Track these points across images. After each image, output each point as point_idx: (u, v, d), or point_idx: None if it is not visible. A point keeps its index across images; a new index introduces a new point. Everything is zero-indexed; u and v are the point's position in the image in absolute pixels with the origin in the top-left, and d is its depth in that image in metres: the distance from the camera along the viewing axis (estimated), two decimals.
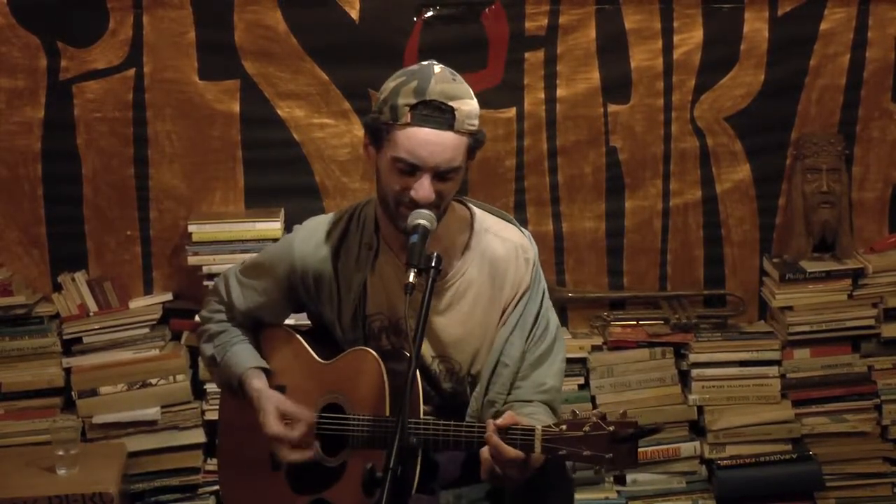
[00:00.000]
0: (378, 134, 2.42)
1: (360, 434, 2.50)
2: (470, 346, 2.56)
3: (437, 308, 2.53)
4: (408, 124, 2.36)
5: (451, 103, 2.36)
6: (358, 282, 2.57)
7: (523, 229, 2.64)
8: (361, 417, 2.50)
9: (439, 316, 2.54)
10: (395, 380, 2.47)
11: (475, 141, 2.43)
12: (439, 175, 2.39)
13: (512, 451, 2.30)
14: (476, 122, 2.41)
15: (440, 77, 2.39)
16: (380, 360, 2.50)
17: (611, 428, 2.25)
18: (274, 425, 2.56)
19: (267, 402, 2.58)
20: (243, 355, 2.68)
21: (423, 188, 2.38)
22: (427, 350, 2.55)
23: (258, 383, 2.64)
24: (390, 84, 2.41)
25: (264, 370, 2.67)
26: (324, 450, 2.57)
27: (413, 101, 2.36)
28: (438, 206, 2.42)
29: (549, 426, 2.30)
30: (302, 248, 2.61)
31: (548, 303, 2.62)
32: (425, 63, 2.44)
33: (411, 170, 2.38)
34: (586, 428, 2.26)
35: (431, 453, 2.49)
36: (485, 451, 2.34)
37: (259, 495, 2.69)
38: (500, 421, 2.33)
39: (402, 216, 2.41)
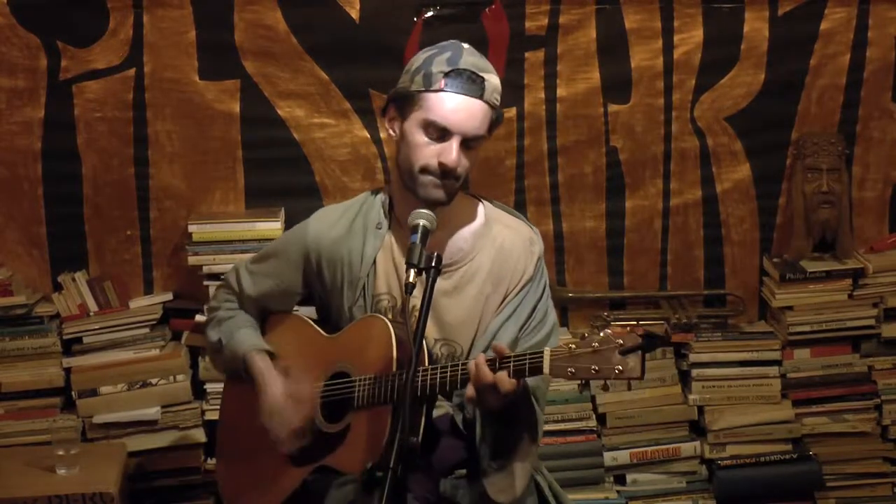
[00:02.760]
0: (407, 102, 2.50)
1: (365, 393, 2.51)
2: (470, 330, 2.60)
3: (445, 290, 2.57)
4: (441, 90, 2.47)
5: (481, 74, 2.48)
6: (367, 261, 2.60)
7: (531, 225, 2.70)
8: (366, 377, 2.51)
9: (446, 298, 2.57)
10: (401, 345, 2.50)
11: (497, 116, 2.54)
12: (466, 143, 2.48)
13: (488, 376, 2.33)
14: (499, 96, 2.54)
15: (469, 51, 2.53)
16: (387, 321, 2.53)
17: (619, 341, 2.26)
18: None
19: (270, 386, 2.63)
20: (248, 337, 2.73)
21: (452, 152, 2.46)
22: (431, 332, 2.58)
23: (262, 363, 2.67)
24: (421, 56, 2.53)
25: (269, 353, 2.70)
26: (328, 418, 2.58)
27: (447, 68, 2.47)
28: (458, 179, 2.49)
29: (559, 346, 2.32)
30: (316, 228, 2.67)
31: (548, 298, 2.65)
32: (453, 40, 2.56)
33: (441, 135, 2.47)
34: (595, 344, 2.27)
35: (437, 429, 2.51)
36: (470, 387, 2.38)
37: (257, 475, 2.70)
38: (489, 354, 2.38)
39: (424, 185, 2.49)
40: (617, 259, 3.99)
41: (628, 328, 2.30)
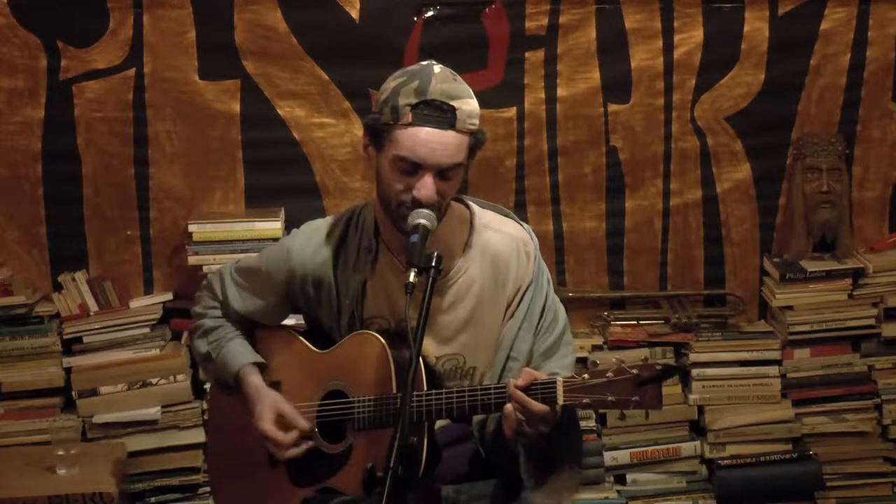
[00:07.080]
0: (379, 134, 2.42)
1: (365, 415, 2.48)
2: (472, 341, 2.56)
3: (441, 306, 2.53)
4: (409, 124, 2.37)
5: (452, 103, 2.37)
6: (356, 285, 2.56)
7: (522, 223, 2.64)
8: (365, 398, 2.49)
9: (442, 314, 2.53)
10: (399, 365, 2.46)
11: (476, 140, 2.43)
12: (441, 174, 2.39)
13: (538, 406, 2.28)
14: (477, 121, 2.42)
15: (440, 77, 2.40)
16: (382, 339, 2.49)
17: (634, 371, 2.24)
18: (268, 423, 2.57)
19: (263, 402, 2.59)
20: (240, 351, 2.68)
21: (426, 187, 2.38)
22: (431, 349, 2.54)
23: (255, 379, 2.63)
24: (390, 84, 2.41)
25: (260, 366, 2.67)
26: (326, 438, 2.56)
27: (414, 100, 2.36)
28: (440, 207, 2.42)
29: (572, 376, 2.30)
30: (300, 253, 2.61)
31: (554, 295, 2.62)
32: (425, 63, 2.44)
33: (413, 169, 2.38)
34: (609, 374, 2.25)
35: (438, 445, 2.48)
36: (509, 408, 2.33)
37: (256, 494, 2.68)
38: (519, 382, 2.32)
39: (403, 217, 2.41)
40: (617, 259, 3.99)
41: (643, 358, 2.29)
